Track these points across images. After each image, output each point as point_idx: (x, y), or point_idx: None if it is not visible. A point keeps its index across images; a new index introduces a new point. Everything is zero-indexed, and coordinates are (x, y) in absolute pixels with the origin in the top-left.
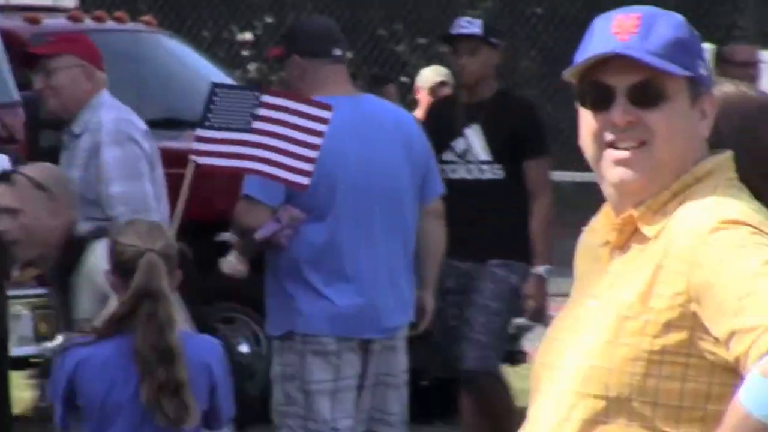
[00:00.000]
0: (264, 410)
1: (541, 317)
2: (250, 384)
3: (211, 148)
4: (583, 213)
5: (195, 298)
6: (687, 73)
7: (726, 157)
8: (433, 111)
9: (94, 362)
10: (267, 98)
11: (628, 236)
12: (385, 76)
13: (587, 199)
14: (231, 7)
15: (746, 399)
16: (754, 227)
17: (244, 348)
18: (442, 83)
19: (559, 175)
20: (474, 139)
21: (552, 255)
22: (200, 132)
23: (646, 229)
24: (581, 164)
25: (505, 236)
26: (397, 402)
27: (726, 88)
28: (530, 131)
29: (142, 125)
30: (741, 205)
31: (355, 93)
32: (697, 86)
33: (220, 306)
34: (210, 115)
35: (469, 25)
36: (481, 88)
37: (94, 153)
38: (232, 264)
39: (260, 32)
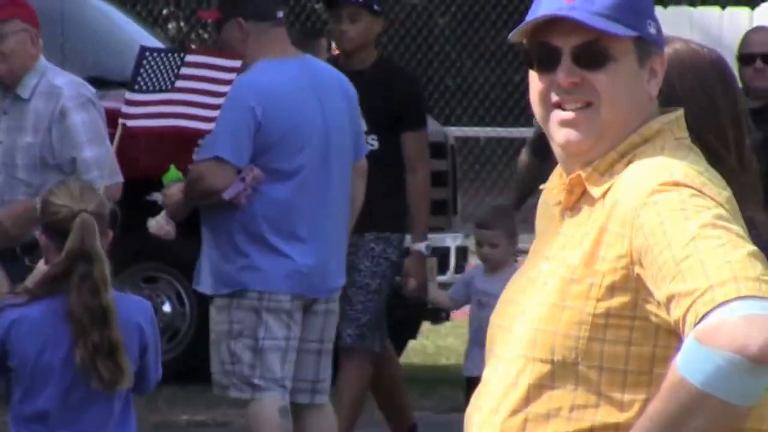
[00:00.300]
0: (185, 369)
1: (422, 294)
2: (172, 344)
3: (139, 111)
4: (501, 169)
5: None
6: (632, 34)
7: (676, 116)
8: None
9: (26, 323)
10: (189, 57)
11: (578, 197)
12: (316, 30)
13: (504, 155)
14: None
15: (682, 364)
16: (695, 189)
17: (167, 308)
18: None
19: (476, 131)
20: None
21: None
22: (129, 96)
23: (593, 190)
24: (496, 120)
25: (381, 208)
26: (327, 368)
27: (677, 45)
28: (409, 103)
29: (92, 88)
30: (685, 166)
31: (299, 55)
32: (645, 46)
33: (143, 265)
34: (139, 79)
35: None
36: (360, 56)
37: (57, 118)
38: (160, 224)
39: None
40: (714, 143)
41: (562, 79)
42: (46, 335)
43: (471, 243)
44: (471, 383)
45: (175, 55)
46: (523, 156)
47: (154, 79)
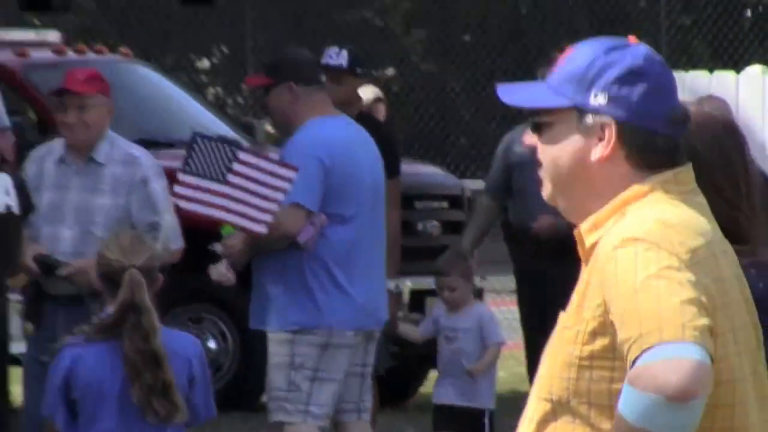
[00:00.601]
0: (228, 400)
1: (393, 328)
2: (216, 377)
3: (190, 194)
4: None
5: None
6: (564, 104)
7: (674, 173)
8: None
9: (87, 359)
10: (243, 156)
11: (588, 249)
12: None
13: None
14: (190, 37)
15: (620, 404)
16: (651, 243)
17: (211, 344)
18: (378, 99)
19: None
20: None
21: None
22: (181, 176)
23: (587, 242)
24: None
25: None
26: (369, 390)
27: (693, 109)
28: (384, 153)
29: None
30: (653, 222)
31: (339, 113)
32: (587, 114)
33: (190, 307)
34: (190, 161)
35: (336, 56)
36: (345, 110)
37: (138, 184)
38: (222, 272)
39: (217, 60)
40: (730, 194)
41: (525, 141)
42: (105, 371)
43: (487, 284)
44: (439, 410)
45: (226, 147)
46: (484, 199)
47: (206, 166)
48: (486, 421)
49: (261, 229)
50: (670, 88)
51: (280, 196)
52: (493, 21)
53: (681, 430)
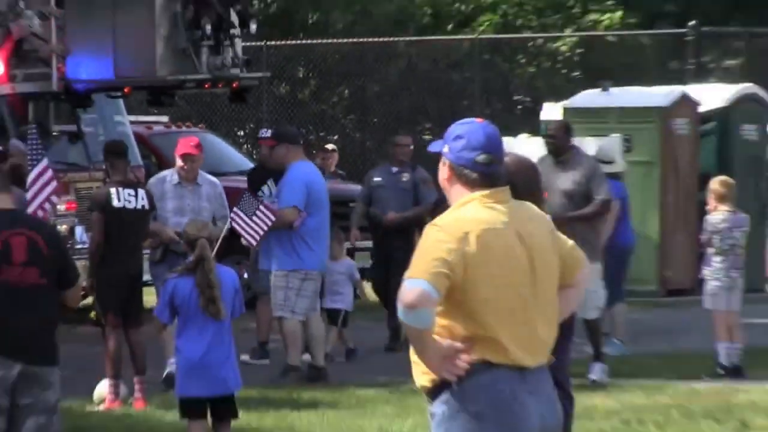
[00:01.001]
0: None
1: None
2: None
3: (244, 225)
4: None
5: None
6: (436, 150)
7: (491, 191)
8: (257, 169)
9: (181, 284)
10: (261, 207)
11: None
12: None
13: None
14: (234, 117)
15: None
16: (439, 227)
17: (244, 275)
18: (333, 150)
19: None
20: (271, 188)
21: None
22: (235, 209)
23: None
24: None
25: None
26: (318, 301)
27: (510, 157)
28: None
29: None
30: (451, 216)
31: (306, 159)
32: (443, 156)
33: (232, 257)
34: (240, 206)
35: (266, 132)
36: (274, 165)
37: (218, 196)
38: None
39: (248, 130)
40: (536, 202)
41: None
42: (188, 291)
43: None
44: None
45: (256, 201)
46: (358, 205)
47: (247, 208)
48: (341, 317)
49: (252, 241)
50: (479, 145)
51: (265, 227)
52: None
53: (417, 324)
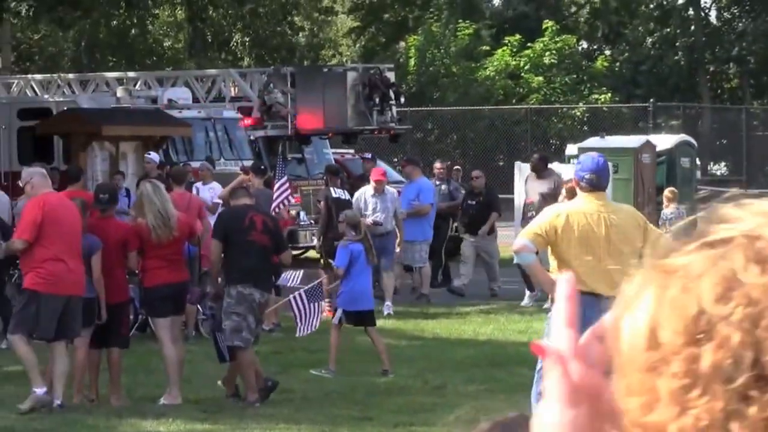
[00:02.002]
0: None
1: None
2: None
3: (299, 305)
4: None
5: None
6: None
7: (587, 194)
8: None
9: (353, 246)
10: (321, 298)
11: None
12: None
13: None
14: (392, 150)
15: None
16: (548, 208)
17: None
18: (458, 169)
19: None
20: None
21: None
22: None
23: None
24: None
25: None
26: None
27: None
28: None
29: None
30: (561, 204)
31: None
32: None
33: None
34: (307, 289)
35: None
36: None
37: (395, 198)
38: None
39: (398, 159)
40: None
41: None
42: (360, 251)
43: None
44: None
45: (318, 285)
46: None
47: (312, 294)
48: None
49: (303, 330)
50: (588, 168)
51: (316, 322)
52: None
53: (522, 261)
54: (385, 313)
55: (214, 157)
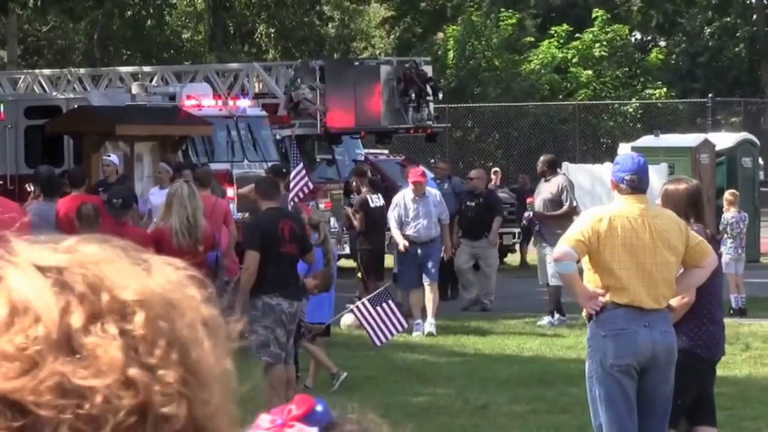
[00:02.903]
0: None
1: None
2: None
3: (364, 313)
4: None
5: None
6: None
7: (627, 196)
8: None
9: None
10: (388, 299)
11: None
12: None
13: None
14: (428, 150)
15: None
16: (587, 212)
17: None
18: (496, 171)
19: None
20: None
21: None
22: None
23: None
24: None
25: None
26: None
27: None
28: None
29: None
30: (602, 207)
31: None
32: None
33: None
34: (371, 298)
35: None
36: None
37: (439, 203)
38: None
39: (434, 160)
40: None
41: None
42: None
43: None
44: None
45: (386, 293)
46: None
47: (375, 299)
48: None
49: (377, 341)
50: (628, 169)
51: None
52: None
53: (562, 270)
54: (426, 331)
55: (237, 159)
